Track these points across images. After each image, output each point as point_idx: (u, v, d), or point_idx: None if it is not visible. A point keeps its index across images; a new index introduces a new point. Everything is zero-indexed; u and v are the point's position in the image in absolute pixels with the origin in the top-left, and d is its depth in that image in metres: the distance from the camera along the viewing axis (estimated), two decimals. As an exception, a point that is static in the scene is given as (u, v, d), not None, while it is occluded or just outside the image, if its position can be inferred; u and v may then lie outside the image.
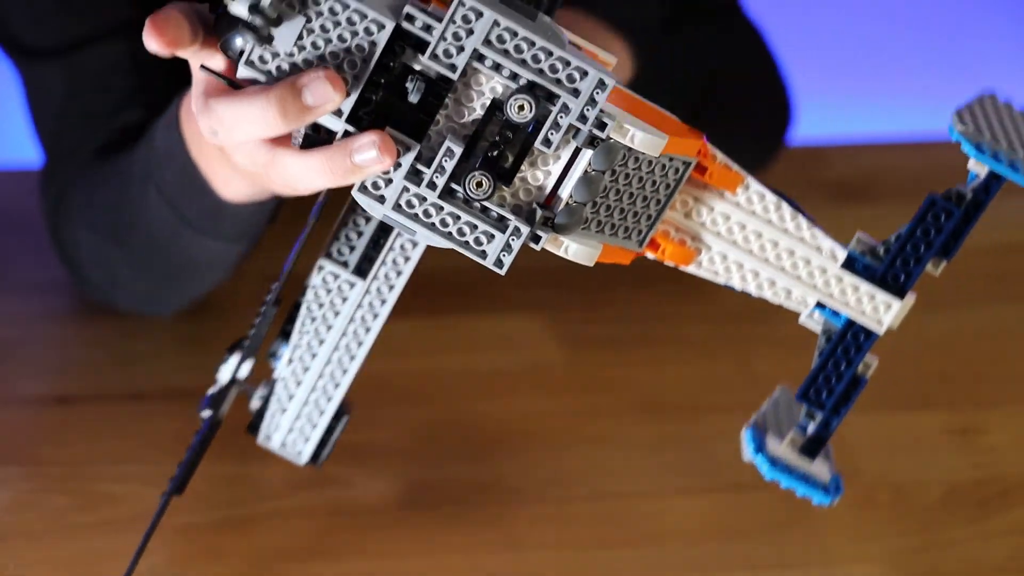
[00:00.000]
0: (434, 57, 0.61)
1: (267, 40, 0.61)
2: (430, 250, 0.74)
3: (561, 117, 0.62)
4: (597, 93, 0.61)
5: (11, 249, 1.09)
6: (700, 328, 1.06)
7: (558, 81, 0.61)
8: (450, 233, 0.65)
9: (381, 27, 0.61)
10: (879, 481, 0.91)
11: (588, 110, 0.61)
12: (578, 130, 0.62)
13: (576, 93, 0.61)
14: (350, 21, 0.62)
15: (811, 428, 0.70)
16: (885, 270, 0.69)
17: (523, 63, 0.61)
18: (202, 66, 0.64)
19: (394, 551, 0.84)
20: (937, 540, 0.86)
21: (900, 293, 0.68)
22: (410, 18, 0.61)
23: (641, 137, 0.62)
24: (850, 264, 0.69)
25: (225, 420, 0.94)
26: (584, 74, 0.61)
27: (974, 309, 1.11)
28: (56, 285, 1.06)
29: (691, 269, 0.68)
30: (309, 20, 0.61)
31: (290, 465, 0.90)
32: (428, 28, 0.61)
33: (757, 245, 0.68)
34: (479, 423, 0.95)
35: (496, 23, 0.60)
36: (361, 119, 0.63)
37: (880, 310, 0.69)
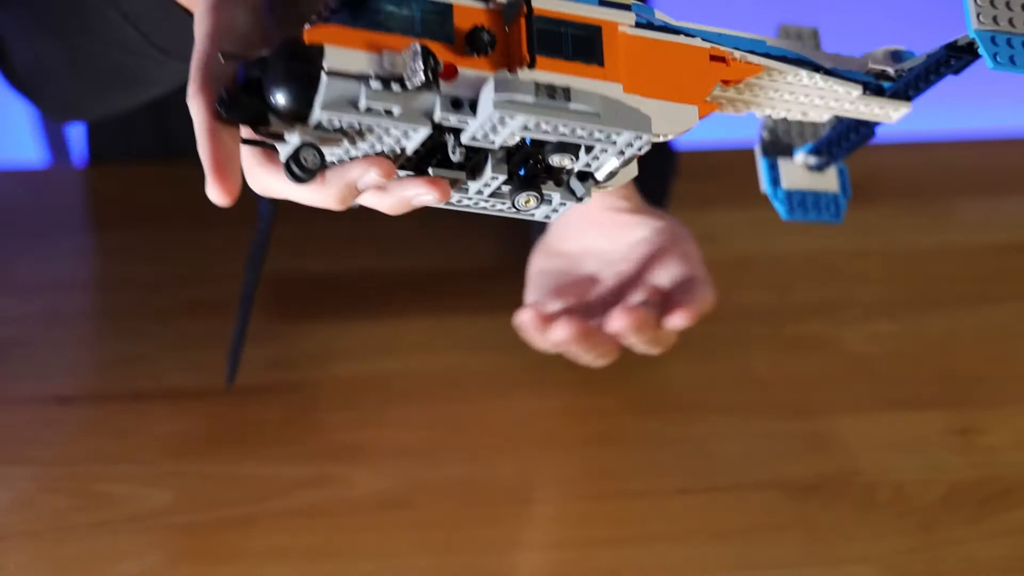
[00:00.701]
0: (473, 139, 0.63)
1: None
2: (430, 251, 0.74)
3: (600, 153, 0.64)
4: (630, 146, 0.63)
5: (11, 249, 1.09)
6: (700, 328, 1.06)
7: (595, 139, 0.63)
8: (501, 210, 0.67)
9: (416, 131, 0.63)
10: (879, 481, 0.91)
11: (625, 150, 0.64)
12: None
13: (613, 143, 0.63)
14: (387, 131, 0.63)
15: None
16: (897, 89, 0.74)
17: (560, 134, 0.63)
18: (244, 140, 0.64)
19: (394, 551, 0.84)
20: (937, 540, 0.86)
21: (908, 101, 0.74)
22: (441, 125, 0.63)
23: (672, 131, 0.66)
24: (866, 87, 0.73)
25: (224, 422, 0.94)
26: (619, 134, 0.62)
27: (974, 309, 1.11)
28: (56, 285, 1.06)
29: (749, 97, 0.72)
30: (352, 141, 0.63)
31: (290, 465, 0.90)
32: (463, 121, 0.63)
33: (791, 95, 0.73)
34: (479, 423, 0.95)
35: (526, 125, 0.62)
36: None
37: (890, 112, 0.74)
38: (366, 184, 0.65)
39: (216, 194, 0.63)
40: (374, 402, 0.96)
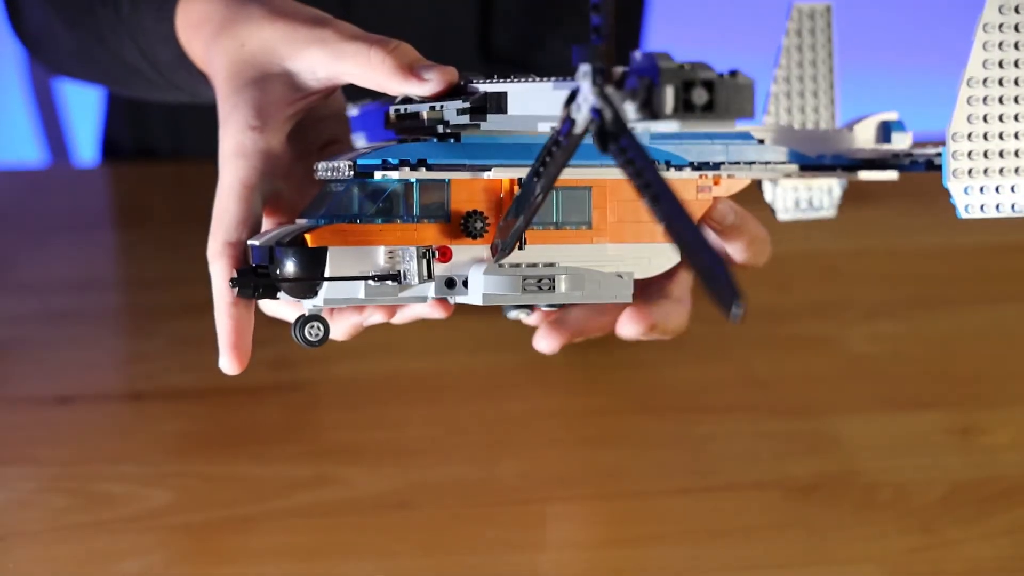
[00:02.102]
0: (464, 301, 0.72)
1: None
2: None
3: None
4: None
5: (11, 249, 1.09)
6: (700, 328, 1.06)
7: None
8: None
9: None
10: (879, 481, 0.91)
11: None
12: None
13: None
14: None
15: None
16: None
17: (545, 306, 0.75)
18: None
19: (394, 551, 0.84)
20: (937, 540, 0.86)
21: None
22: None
23: (655, 271, 0.74)
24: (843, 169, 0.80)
25: (224, 422, 0.94)
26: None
27: (974, 309, 1.11)
28: (56, 285, 1.06)
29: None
30: None
31: (290, 465, 0.90)
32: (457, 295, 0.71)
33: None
34: (479, 423, 0.95)
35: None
36: None
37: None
38: (371, 323, 0.73)
39: (229, 366, 0.71)
40: (374, 402, 0.96)
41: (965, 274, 1.15)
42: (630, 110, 0.62)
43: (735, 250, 0.78)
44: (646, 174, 0.61)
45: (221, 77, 0.75)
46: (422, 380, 0.99)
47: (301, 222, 0.69)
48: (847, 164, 0.78)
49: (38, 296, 1.05)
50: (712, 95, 0.61)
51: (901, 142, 0.79)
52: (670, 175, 0.73)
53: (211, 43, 0.76)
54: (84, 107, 1.50)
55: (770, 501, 0.89)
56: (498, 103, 0.69)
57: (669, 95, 0.61)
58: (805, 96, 0.84)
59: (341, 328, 0.74)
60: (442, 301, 0.71)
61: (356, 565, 0.83)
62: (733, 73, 0.62)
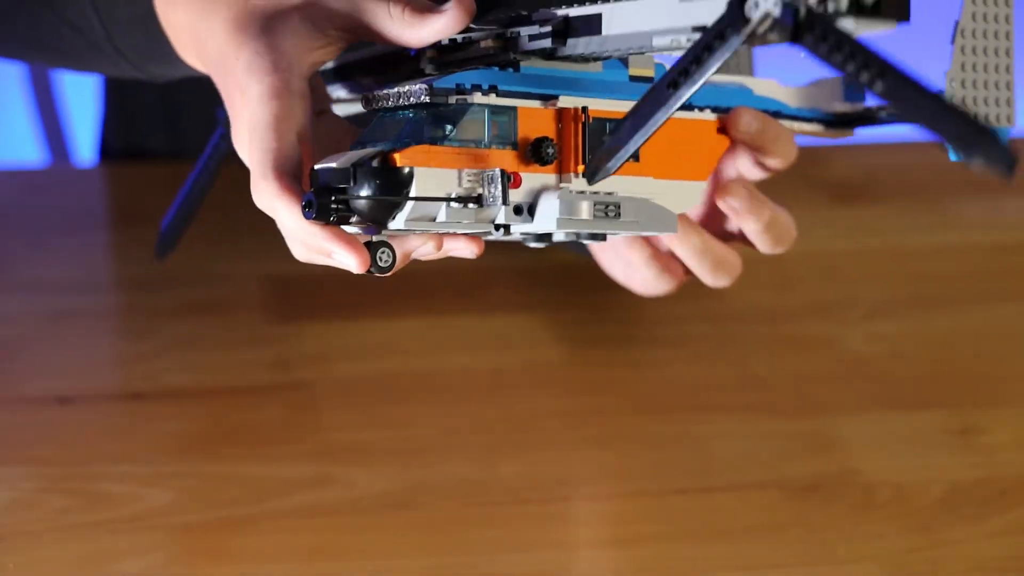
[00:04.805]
0: (526, 234, 0.72)
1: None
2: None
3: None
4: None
5: (11, 249, 1.09)
6: (700, 328, 1.06)
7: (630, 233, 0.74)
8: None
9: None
10: (879, 481, 0.91)
11: None
12: None
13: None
14: None
15: None
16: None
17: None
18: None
19: (394, 551, 0.84)
20: (937, 540, 0.86)
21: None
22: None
23: (682, 209, 0.74)
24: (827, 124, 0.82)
25: (224, 422, 0.94)
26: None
27: (974, 309, 1.11)
28: (56, 285, 1.06)
29: None
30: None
31: (290, 465, 0.90)
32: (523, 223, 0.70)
33: None
34: (479, 423, 0.95)
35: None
36: None
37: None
38: (421, 255, 0.71)
39: (358, 264, 0.68)
40: (374, 402, 0.96)
41: (965, 274, 1.15)
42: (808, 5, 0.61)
43: (767, 160, 0.78)
44: (856, 57, 0.59)
45: (228, 30, 0.73)
46: (422, 380, 0.99)
47: (365, 150, 0.68)
48: (829, 119, 0.81)
49: (38, 296, 1.05)
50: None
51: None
52: (692, 115, 0.75)
53: (204, 3, 0.74)
54: (84, 107, 1.50)
55: (770, 501, 0.89)
56: (588, 25, 0.69)
57: None
58: None
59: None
60: (475, 238, 0.70)
61: (356, 565, 0.83)
62: None
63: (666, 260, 0.84)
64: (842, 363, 1.04)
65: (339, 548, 0.84)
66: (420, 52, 0.73)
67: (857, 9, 0.61)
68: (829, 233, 1.19)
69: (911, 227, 1.20)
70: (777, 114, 0.79)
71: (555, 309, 1.07)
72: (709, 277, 0.82)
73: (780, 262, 1.13)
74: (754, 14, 0.61)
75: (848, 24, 0.61)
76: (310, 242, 0.69)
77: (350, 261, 0.68)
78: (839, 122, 0.81)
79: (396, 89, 0.69)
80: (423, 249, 0.71)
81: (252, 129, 0.70)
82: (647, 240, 0.83)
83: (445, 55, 0.72)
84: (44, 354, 0.99)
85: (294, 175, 0.69)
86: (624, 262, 0.86)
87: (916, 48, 0.86)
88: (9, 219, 1.13)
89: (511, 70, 0.70)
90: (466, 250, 0.71)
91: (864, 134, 0.83)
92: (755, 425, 0.96)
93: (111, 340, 1.00)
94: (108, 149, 1.32)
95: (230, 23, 0.73)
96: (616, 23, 0.68)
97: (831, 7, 0.61)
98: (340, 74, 0.81)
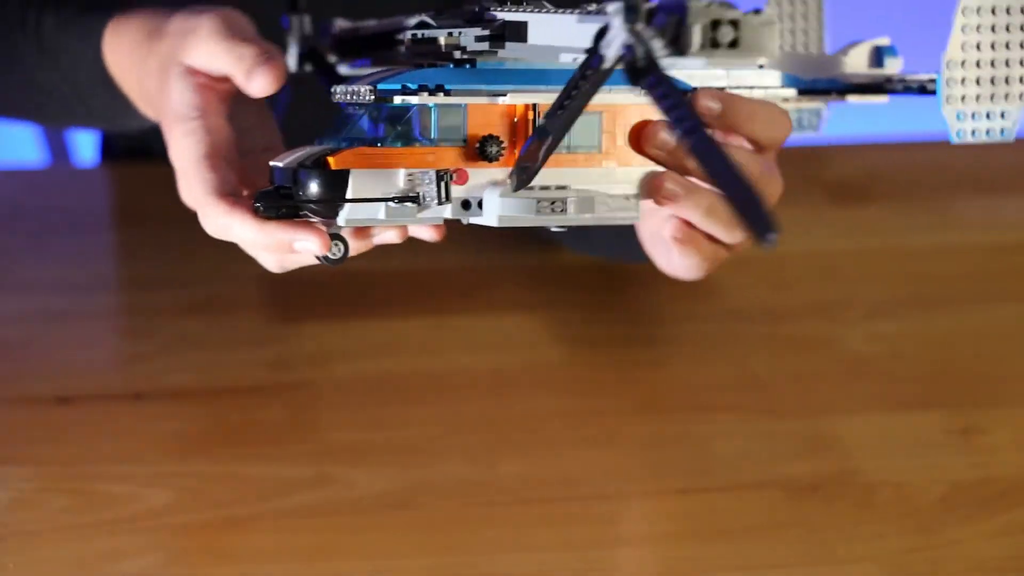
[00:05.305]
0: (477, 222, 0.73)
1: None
2: (430, 251, 0.75)
3: None
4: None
5: (11, 249, 1.09)
6: (700, 328, 1.06)
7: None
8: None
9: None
10: (879, 481, 0.91)
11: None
12: None
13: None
14: None
15: None
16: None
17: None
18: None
19: (394, 551, 0.84)
20: (937, 540, 0.86)
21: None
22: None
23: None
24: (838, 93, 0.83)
25: (224, 422, 0.94)
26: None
27: (974, 309, 1.11)
28: (56, 285, 1.06)
29: None
30: None
31: (290, 465, 0.90)
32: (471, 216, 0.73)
33: None
34: (479, 423, 0.95)
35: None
36: None
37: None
38: (383, 241, 0.75)
39: (319, 246, 0.72)
40: (374, 402, 0.96)
41: (964, 274, 1.15)
42: (658, 47, 0.63)
43: (755, 137, 0.77)
44: (678, 109, 0.63)
45: (159, 78, 0.80)
46: (422, 380, 0.99)
47: (320, 146, 0.71)
48: (841, 88, 0.81)
49: (38, 296, 1.05)
50: (738, 33, 0.63)
51: (893, 67, 0.81)
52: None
53: (144, 55, 0.81)
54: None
55: (770, 501, 0.89)
56: (517, 32, 0.71)
57: (697, 33, 0.63)
58: (796, 19, 0.85)
59: (357, 245, 0.75)
60: (437, 227, 0.73)
61: (356, 565, 0.83)
62: (756, 11, 0.64)
63: (690, 234, 0.81)
64: (842, 363, 1.04)
65: (339, 548, 0.84)
66: (400, 40, 0.76)
67: (712, 45, 0.64)
68: (829, 233, 1.19)
69: (911, 227, 1.20)
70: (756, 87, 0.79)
71: (555, 309, 1.07)
72: (726, 232, 0.78)
73: (780, 262, 1.13)
74: (608, 52, 0.65)
75: (699, 62, 0.64)
76: (269, 241, 0.73)
77: (311, 244, 0.72)
78: (856, 89, 0.81)
79: (345, 87, 0.72)
80: (384, 235, 0.74)
81: (189, 164, 0.76)
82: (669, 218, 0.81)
83: (417, 46, 0.74)
84: (44, 354, 0.99)
85: (236, 194, 0.75)
86: (665, 247, 0.84)
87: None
88: (9, 219, 1.13)
89: (468, 66, 0.72)
90: (427, 235, 0.74)
91: (864, 134, 0.83)
92: (755, 425, 0.96)
93: (111, 340, 1.00)
94: (109, 149, 1.32)
95: (157, 72, 0.80)
96: (537, 33, 0.70)
97: (685, 43, 0.63)
98: (339, 49, 0.83)
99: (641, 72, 0.64)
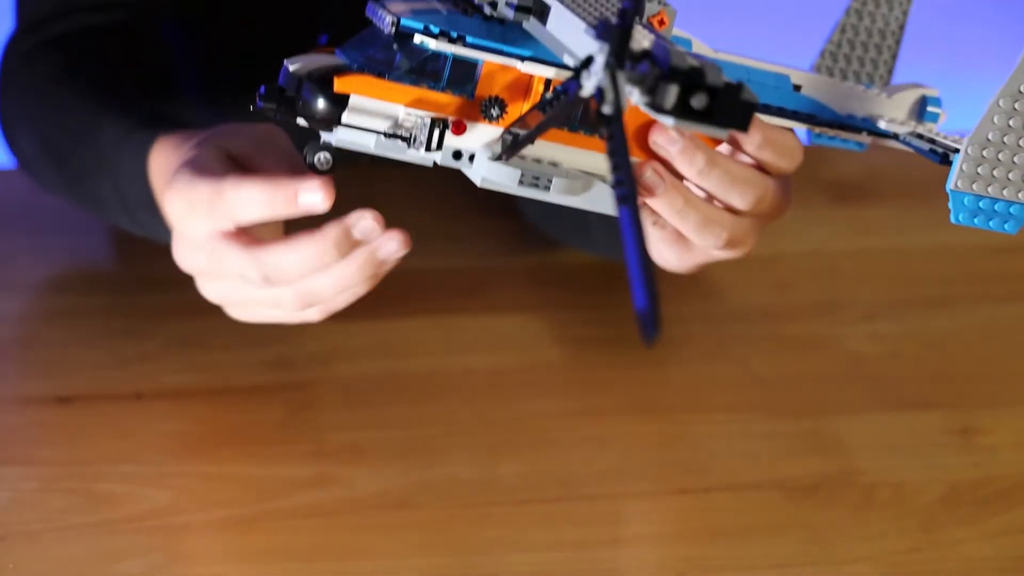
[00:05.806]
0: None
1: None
2: (430, 251, 0.75)
3: None
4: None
5: (11, 249, 1.09)
6: (700, 328, 1.06)
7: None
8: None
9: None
10: (879, 481, 0.91)
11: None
12: None
13: None
14: None
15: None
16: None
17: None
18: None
19: (394, 551, 0.84)
20: (937, 540, 0.86)
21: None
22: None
23: None
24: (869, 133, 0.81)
25: (224, 422, 0.94)
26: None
27: (974, 309, 1.11)
28: (56, 285, 1.06)
29: None
30: None
31: (290, 465, 0.90)
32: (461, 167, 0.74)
33: None
34: (479, 423, 0.95)
35: None
36: None
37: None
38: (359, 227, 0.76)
39: (324, 200, 0.74)
40: (374, 402, 0.96)
41: (965, 274, 1.15)
42: (635, 94, 0.62)
43: (755, 160, 0.77)
44: (622, 170, 0.61)
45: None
46: (422, 380, 0.99)
47: (333, 59, 0.71)
48: (872, 131, 0.79)
49: (38, 296, 1.05)
50: (712, 103, 0.61)
51: (932, 120, 0.79)
52: None
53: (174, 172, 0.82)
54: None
55: (770, 501, 0.89)
56: (542, 12, 0.71)
57: (672, 93, 0.61)
58: (868, 49, 0.84)
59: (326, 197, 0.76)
60: (406, 241, 0.76)
61: (356, 565, 0.83)
62: (740, 85, 0.62)
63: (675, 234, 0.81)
64: (842, 363, 1.04)
65: (339, 548, 0.84)
66: None
67: (683, 108, 0.62)
68: (829, 233, 1.19)
69: (911, 227, 1.20)
70: (809, 117, 0.78)
71: (555, 309, 1.07)
72: (695, 235, 0.78)
73: (780, 262, 1.13)
74: (586, 84, 0.64)
75: (669, 120, 0.62)
76: (275, 193, 0.74)
77: (315, 196, 0.73)
78: (884, 135, 0.79)
79: (376, 6, 0.71)
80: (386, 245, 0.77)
81: (177, 182, 0.79)
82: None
83: None
84: (44, 354, 0.99)
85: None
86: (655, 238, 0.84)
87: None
88: (9, 219, 1.13)
89: (498, 23, 0.71)
90: (395, 247, 0.77)
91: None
92: (755, 425, 0.96)
93: (111, 340, 1.00)
94: None
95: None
96: (555, 23, 0.70)
97: (660, 99, 0.62)
98: None
99: (604, 119, 0.62)
